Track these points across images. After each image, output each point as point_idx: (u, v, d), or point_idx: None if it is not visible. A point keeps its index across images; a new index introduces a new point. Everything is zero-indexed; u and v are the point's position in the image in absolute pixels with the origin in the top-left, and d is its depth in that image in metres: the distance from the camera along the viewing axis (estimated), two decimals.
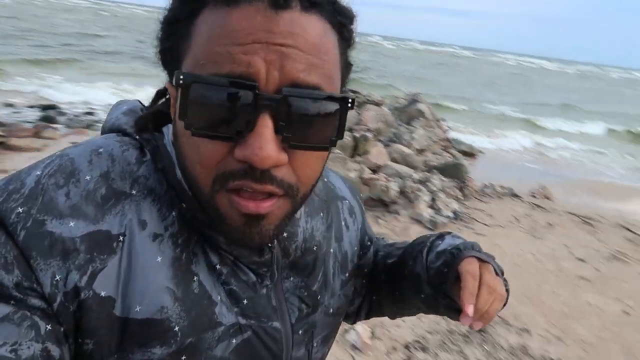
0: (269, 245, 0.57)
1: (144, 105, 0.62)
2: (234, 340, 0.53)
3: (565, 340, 3.24)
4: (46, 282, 0.44)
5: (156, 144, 0.54)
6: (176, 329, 0.49)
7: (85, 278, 0.45)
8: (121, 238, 0.48)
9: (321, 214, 0.69)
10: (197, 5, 0.47)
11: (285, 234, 0.60)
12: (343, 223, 0.73)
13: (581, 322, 3.46)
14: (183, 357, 0.50)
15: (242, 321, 0.53)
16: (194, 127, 0.45)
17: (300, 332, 0.60)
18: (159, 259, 0.49)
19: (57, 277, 0.44)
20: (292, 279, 0.60)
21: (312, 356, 0.63)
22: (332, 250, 0.69)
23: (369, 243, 0.81)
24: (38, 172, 0.47)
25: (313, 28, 0.46)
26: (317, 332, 0.63)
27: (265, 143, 0.43)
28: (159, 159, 0.53)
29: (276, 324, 0.56)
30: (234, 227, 0.49)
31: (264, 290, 0.56)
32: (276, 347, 0.56)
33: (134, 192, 0.50)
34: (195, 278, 0.51)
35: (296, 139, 0.46)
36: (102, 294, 0.46)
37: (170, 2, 0.51)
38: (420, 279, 0.69)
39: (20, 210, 0.44)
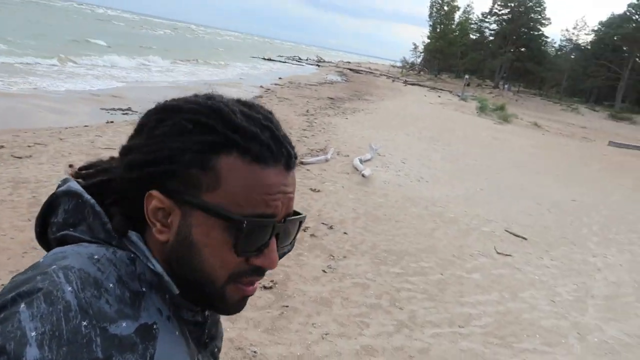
0: (205, 312, 0.74)
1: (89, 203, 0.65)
2: None
3: None
4: None
5: (130, 243, 0.64)
6: None
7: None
8: (155, 326, 0.59)
9: None
10: (220, 149, 0.61)
11: (209, 314, 0.77)
12: None
13: None
14: None
15: None
16: (241, 252, 0.62)
17: None
18: (177, 333, 0.64)
19: None
20: (204, 335, 0.76)
21: None
22: None
23: None
24: (69, 288, 0.53)
25: (295, 176, 0.68)
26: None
27: (275, 255, 0.65)
28: (138, 256, 0.63)
29: None
30: (232, 305, 0.67)
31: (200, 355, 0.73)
32: None
33: (144, 289, 0.61)
34: (189, 341, 0.68)
35: (283, 247, 0.68)
36: None
37: (163, 135, 0.62)
38: None
39: (85, 323, 0.51)
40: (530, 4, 59.76)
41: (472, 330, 3.77)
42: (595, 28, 55.16)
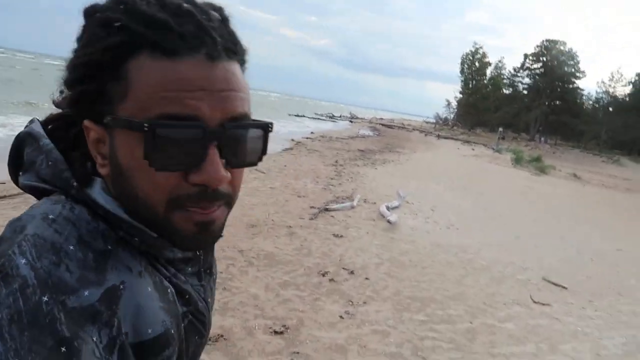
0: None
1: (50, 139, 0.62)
2: (183, 324, 0.65)
3: None
4: (88, 347, 0.48)
5: (88, 195, 0.58)
6: (172, 331, 0.60)
7: (114, 329, 0.52)
8: (121, 286, 0.54)
9: None
10: (128, 52, 0.54)
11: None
12: None
13: None
14: (176, 348, 0.61)
15: (185, 309, 0.66)
16: (157, 163, 0.53)
17: (208, 300, 0.74)
18: (149, 289, 0.58)
19: (94, 338, 0.49)
20: (189, 269, 0.71)
21: (211, 312, 0.78)
22: None
23: None
24: (23, 260, 0.49)
25: (236, 71, 0.58)
26: (211, 295, 0.77)
27: (218, 168, 0.54)
28: (99, 208, 0.58)
29: (199, 304, 0.69)
30: (188, 236, 0.57)
31: (187, 285, 0.68)
32: (204, 318, 0.71)
33: (109, 247, 0.56)
34: (169, 290, 0.62)
35: (236, 161, 0.58)
36: (124, 330, 0.53)
37: (83, 43, 0.57)
38: None
39: (46, 298, 0.47)
40: (563, 57, 59.78)
41: None
42: (633, 80, 54.35)
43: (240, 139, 0.58)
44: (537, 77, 62.20)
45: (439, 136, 42.58)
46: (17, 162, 0.63)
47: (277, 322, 3.69)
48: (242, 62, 0.61)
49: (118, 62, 0.54)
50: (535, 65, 63.16)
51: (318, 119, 46.45)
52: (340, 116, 59.53)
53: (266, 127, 0.61)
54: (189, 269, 0.69)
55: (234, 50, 0.58)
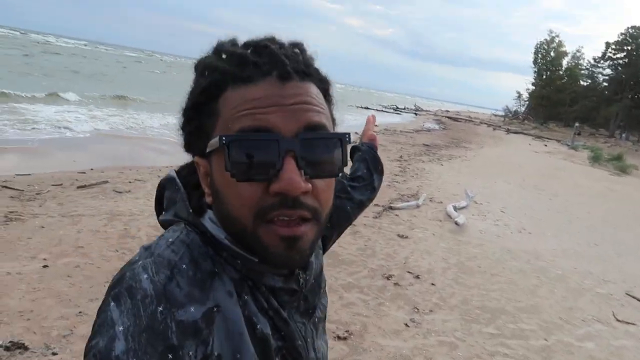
0: (299, 277, 0.70)
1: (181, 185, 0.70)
2: (276, 359, 0.66)
3: None
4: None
5: (200, 222, 0.65)
6: None
7: (210, 347, 0.56)
8: (215, 309, 0.58)
9: (320, 251, 0.85)
10: (217, 89, 0.61)
11: (307, 277, 0.72)
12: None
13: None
14: None
15: (280, 344, 0.66)
16: (238, 174, 0.57)
17: (308, 340, 0.73)
18: (242, 318, 0.60)
19: (190, 353, 0.53)
20: (296, 305, 0.72)
21: (317, 354, 0.76)
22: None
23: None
24: (145, 275, 0.56)
25: (310, 90, 0.61)
26: (317, 336, 0.78)
27: (294, 175, 0.56)
28: (207, 233, 0.64)
29: (298, 342, 0.69)
30: (276, 252, 0.59)
31: (290, 320, 0.68)
32: (300, 357, 0.69)
33: (216, 269, 0.61)
34: (264, 321, 0.64)
35: (314, 171, 0.59)
36: (216, 353, 0.56)
37: (190, 92, 0.65)
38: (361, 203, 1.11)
39: (160, 309, 0.53)
40: None
41: None
42: None
43: (315, 149, 0.59)
44: (619, 67, 57.61)
45: (508, 130, 40.68)
46: (161, 202, 0.72)
47: (340, 327, 3.63)
48: (321, 87, 0.65)
49: (210, 100, 0.61)
50: (618, 55, 58.44)
51: (382, 111, 45.88)
52: (404, 108, 58.51)
53: (343, 138, 0.62)
54: (296, 304, 0.71)
55: (307, 72, 0.62)
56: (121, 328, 0.51)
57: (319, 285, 0.79)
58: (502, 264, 5.84)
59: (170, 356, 0.51)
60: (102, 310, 0.55)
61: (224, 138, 0.57)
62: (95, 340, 0.51)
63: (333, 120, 0.68)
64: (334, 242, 1.05)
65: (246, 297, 0.62)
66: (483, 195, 9.57)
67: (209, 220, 0.65)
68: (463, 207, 8.21)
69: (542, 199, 11.07)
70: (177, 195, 0.68)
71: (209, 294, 0.58)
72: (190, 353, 0.53)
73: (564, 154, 25.91)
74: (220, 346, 0.57)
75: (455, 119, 47.63)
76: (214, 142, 0.59)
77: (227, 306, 0.59)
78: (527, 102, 70.38)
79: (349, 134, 0.63)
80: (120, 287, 0.55)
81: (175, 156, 9.70)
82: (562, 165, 20.15)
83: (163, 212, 0.71)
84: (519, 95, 73.14)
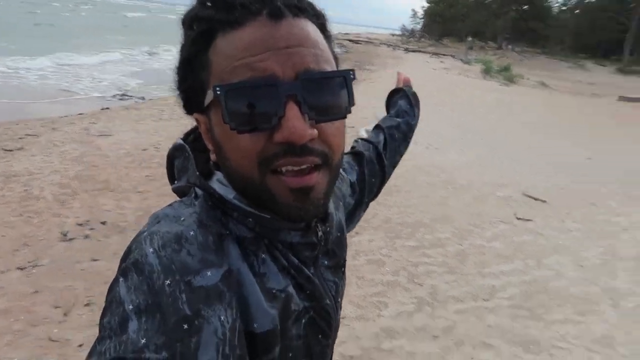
0: (317, 230, 0.66)
1: (187, 145, 0.68)
2: (303, 320, 0.64)
3: None
4: (210, 327, 0.50)
5: (207, 184, 0.62)
6: (277, 329, 0.59)
7: (235, 311, 0.53)
8: (235, 272, 0.56)
9: (340, 203, 0.84)
10: (207, 39, 0.57)
11: (328, 229, 0.69)
12: (343, 198, 0.91)
13: None
14: (279, 346, 0.60)
15: (307, 304, 0.65)
16: (237, 126, 0.54)
17: (338, 299, 0.72)
18: (257, 281, 0.58)
19: (222, 317, 0.51)
20: (326, 262, 0.70)
21: (340, 312, 0.76)
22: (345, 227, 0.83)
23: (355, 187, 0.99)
24: (151, 249, 0.52)
25: (306, 27, 0.58)
26: (342, 293, 0.76)
27: (298, 122, 0.53)
28: (215, 194, 0.61)
29: (327, 301, 0.67)
30: (287, 204, 0.57)
31: (315, 278, 0.66)
32: (329, 317, 0.68)
33: (227, 232, 0.59)
34: (277, 287, 0.60)
35: (319, 114, 0.56)
36: (239, 319, 0.54)
37: (180, 48, 0.62)
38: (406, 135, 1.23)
39: (168, 282, 0.50)
40: None
41: (499, 303, 3.53)
42: None
43: (318, 90, 0.56)
44: None
45: (407, 49, 41.71)
46: (172, 172, 0.69)
47: None
48: (317, 21, 0.62)
49: (201, 52, 0.58)
50: None
51: None
52: None
53: (348, 75, 0.59)
54: (326, 262, 0.69)
55: (300, 7, 0.58)
56: (131, 307, 0.49)
57: (344, 238, 0.77)
58: (415, 180, 6.20)
59: (185, 326, 0.48)
60: (112, 285, 0.52)
61: (217, 89, 0.54)
62: (106, 318, 0.50)
63: (335, 57, 0.64)
64: (366, 208, 1.05)
65: (264, 256, 0.60)
66: None
67: (217, 182, 0.63)
68: None
69: (444, 115, 11.72)
70: (188, 162, 0.65)
71: (223, 256, 0.56)
72: (222, 318, 0.51)
73: (459, 69, 27.29)
74: (238, 311, 0.54)
75: (355, 41, 47.66)
76: (210, 94, 0.56)
77: (241, 268, 0.57)
78: (423, 20, 72.09)
79: (353, 70, 0.60)
80: (128, 262, 0.53)
81: (70, 106, 8.91)
82: (458, 81, 21.27)
83: (175, 182, 0.68)
84: (415, 14, 74.60)
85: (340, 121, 0.60)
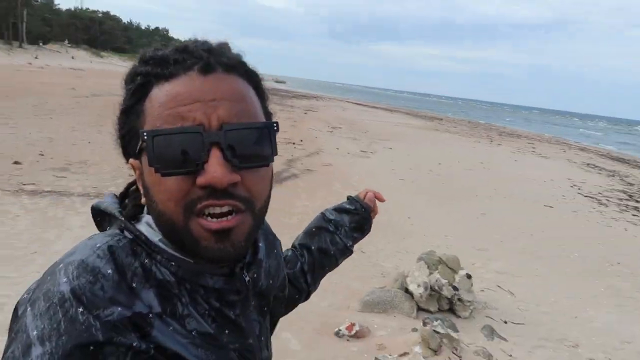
0: (243, 275, 0.69)
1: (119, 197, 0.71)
2: (229, 358, 0.66)
3: None
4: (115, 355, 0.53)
5: (134, 228, 0.63)
6: None
7: (145, 342, 0.56)
8: (151, 315, 0.57)
9: (275, 251, 0.87)
10: (144, 90, 0.61)
11: (254, 275, 0.73)
12: (279, 259, 0.90)
13: None
14: None
15: (231, 345, 0.66)
16: (162, 169, 0.57)
17: (262, 339, 0.75)
18: (178, 322, 0.60)
19: (134, 344, 0.54)
20: (253, 303, 0.73)
21: (269, 351, 0.79)
22: (279, 275, 0.86)
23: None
24: (64, 279, 0.54)
25: (234, 83, 0.62)
26: (266, 331, 0.79)
27: (219, 167, 0.56)
28: (141, 236, 0.63)
29: (250, 341, 0.70)
30: (208, 247, 0.59)
31: (239, 319, 0.68)
32: (252, 357, 0.71)
33: (146, 275, 0.59)
34: (196, 328, 0.62)
35: (242, 162, 0.59)
36: (152, 352, 0.56)
37: (120, 104, 0.65)
38: (345, 248, 1.09)
39: (81, 309, 0.52)
40: None
41: None
42: None
43: (241, 141, 0.58)
44: None
45: None
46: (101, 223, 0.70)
47: None
48: (249, 80, 0.65)
49: (138, 102, 0.62)
50: None
51: None
52: None
53: (271, 127, 0.62)
54: (253, 302, 0.71)
55: (230, 65, 0.62)
56: (35, 332, 0.50)
57: (277, 286, 0.80)
58: None
59: (92, 348, 0.50)
60: (19, 317, 0.53)
61: (144, 133, 0.56)
62: (11, 349, 0.50)
63: (268, 113, 0.68)
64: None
65: (184, 299, 0.61)
66: None
67: (145, 224, 0.64)
68: None
69: None
70: (112, 206, 0.67)
71: (135, 300, 0.56)
72: (135, 345, 0.54)
73: None
74: (160, 344, 0.57)
75: None
76: (138, 140, 0.59)
77: (156, 311, 0.58)
78: None
79: (276, 122, 0.63)
80: (39, 292, 0.54)
81: None
82: None
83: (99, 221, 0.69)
84: None
85: (265, 169, 0.62)
